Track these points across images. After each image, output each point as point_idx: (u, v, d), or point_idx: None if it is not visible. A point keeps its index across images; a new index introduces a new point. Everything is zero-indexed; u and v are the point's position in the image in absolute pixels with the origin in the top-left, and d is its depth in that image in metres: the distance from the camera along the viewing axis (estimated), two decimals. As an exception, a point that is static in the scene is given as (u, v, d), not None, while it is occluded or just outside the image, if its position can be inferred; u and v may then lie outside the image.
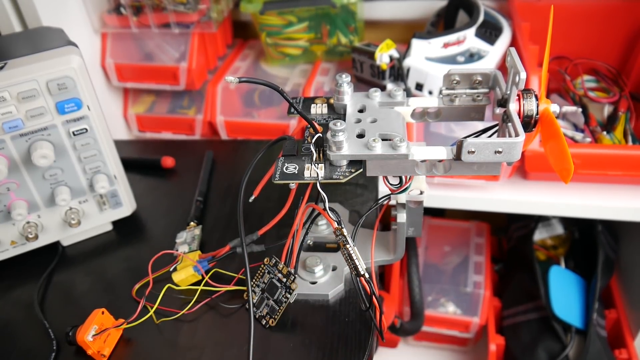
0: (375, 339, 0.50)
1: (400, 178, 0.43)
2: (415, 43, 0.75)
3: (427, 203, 0.63)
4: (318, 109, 0.47)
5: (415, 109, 0.46)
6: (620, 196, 0.74)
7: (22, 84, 0.49)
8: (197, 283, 0.51)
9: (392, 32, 0.91)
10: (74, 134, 0.53)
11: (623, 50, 0.87)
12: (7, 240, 0.56)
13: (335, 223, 0.42)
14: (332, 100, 0.47)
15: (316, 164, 0.41)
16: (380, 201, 0.47)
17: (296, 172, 0.41)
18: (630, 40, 0.86)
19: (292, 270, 0.46)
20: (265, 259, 0.47)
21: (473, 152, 0.38)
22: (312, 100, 0.48)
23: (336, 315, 0.48)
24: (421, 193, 0.47)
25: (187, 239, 0.57)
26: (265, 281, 0.47)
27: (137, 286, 0.52)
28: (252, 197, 0.47)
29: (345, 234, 0.42)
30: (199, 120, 0.89)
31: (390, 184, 0.44)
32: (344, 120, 0.44)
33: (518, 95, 0.40)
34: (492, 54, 0.76)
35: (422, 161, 0.41)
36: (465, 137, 0.38)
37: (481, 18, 0.79)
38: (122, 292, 0.53)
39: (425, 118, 0.47)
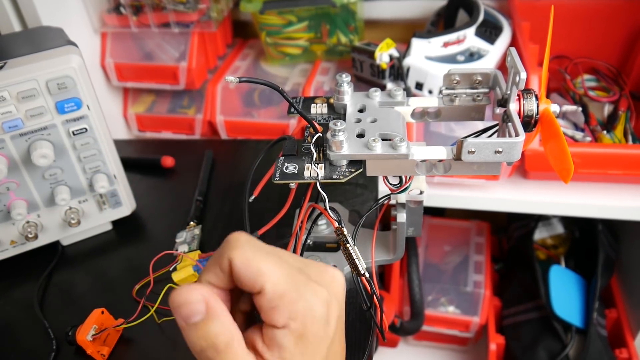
0: (376, 339, 0.50)
1: (400, 178, 0.43)
2: (415, 42, 0.75)
3: (427, 203, 0.63)
4: (318, 109, 0.47)
5: (415, 109, 0.46)
6: (620, 195, 0.74)
7: (22, 84, 0.49)
8: (197, 283, 0.51)
9: (392, 32, 0.91)
10: (74, 134, 0.53)
11: (623, 49, 0.87)
12: (6, 239, 0.56)
13: (336, 222, 0.42)
14: (332, 100, 0.47)
15: (316, 164, 0.41)
16: (380, 201, 0.47)
17: (296, 172, 0.41)
18: (630, 39, 0.86)
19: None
20: (265, 259, 0.47)
21: (473, 152, 0.38)
22: (312, 100, 0.48)
23: (336, 315, 0.48)
24: (421, 193, 0.47)
25: (187, 238, 0.57)
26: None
27: (137, 286, 0.52)
28: (252, 197, 0.47)
29: (346, 233, 0.42)
30: (198, 119, 0.89)
31: (390, 184, 0.44)
32: (344, 120, 0.43)
33: (518, 95, 0.40)
34: (492, 53, 0.76)
35: (422, 161, 0.41)
36: (465, 137, 0.38)
37: (481, 17, 0.79)
38: (121, 292, 0.53)
39: (425, 118, 0.46)
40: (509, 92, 0.40)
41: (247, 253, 0.29)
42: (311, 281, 0.30)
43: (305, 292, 0.29)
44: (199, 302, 0.28)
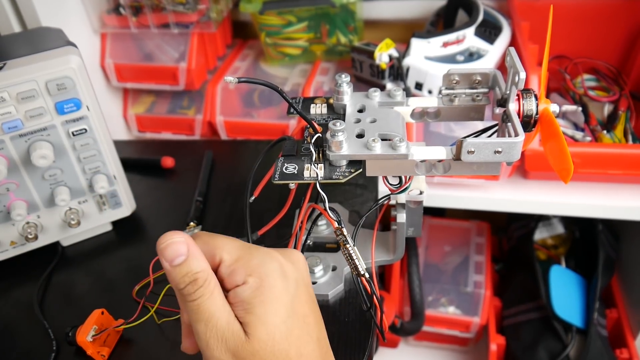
0: (376, 339, 0.50)
1: (400, 178, 0.43)
2: (415, 42, 0.75)
3: (427, 203, 0.63)
4: (317, 109, 0.47)
5: (414, 109, 0.46)
6: (620, 195, 0.74)
7: (22, 84, 0.49)
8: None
9: (391, 32, 0.91)
10: (74, 134, 0.53)
11: (623, 49, 0.87)
12: (6, 240, 0.56)
13: (336, 223, 0.42)
14: (331, 100, 0.47)
15: (316, 164, 0.41)
16: (380, 201, 0.47)
17: (296, 172, 0.41)
18: (630, 39, 0.86)
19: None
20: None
21: (473, 152, 0.38)
22: (311, 100, 0.48)
23: (336, 315, 0.48)
24: (421, 193, 0.47)
25: (186, 239, 0.57)
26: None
27: (137, 287, 0.52)
28: (252, 197, 0.47)
29: (346, 233, 0.42)
30: (198, 120, 0.89)
31: (390, 184, 0.44)
32: (344, 120, 0.43)
33: (518, 95, 0.40)
34: (492, 53, 0.76)
35: (422, 161, 0.41)
36: (465, 137, 0.38)
37: (481, 17, 0.79)
38: (121, 292, 0.53)
39: (425, 118, 0.46)
40: (508, 92, 0.40)
41: (204, 237, 0.34)
42: (264, 248, 0.35)
43: (258, 252, 0.34)
44: (181, 242, 0.32)
